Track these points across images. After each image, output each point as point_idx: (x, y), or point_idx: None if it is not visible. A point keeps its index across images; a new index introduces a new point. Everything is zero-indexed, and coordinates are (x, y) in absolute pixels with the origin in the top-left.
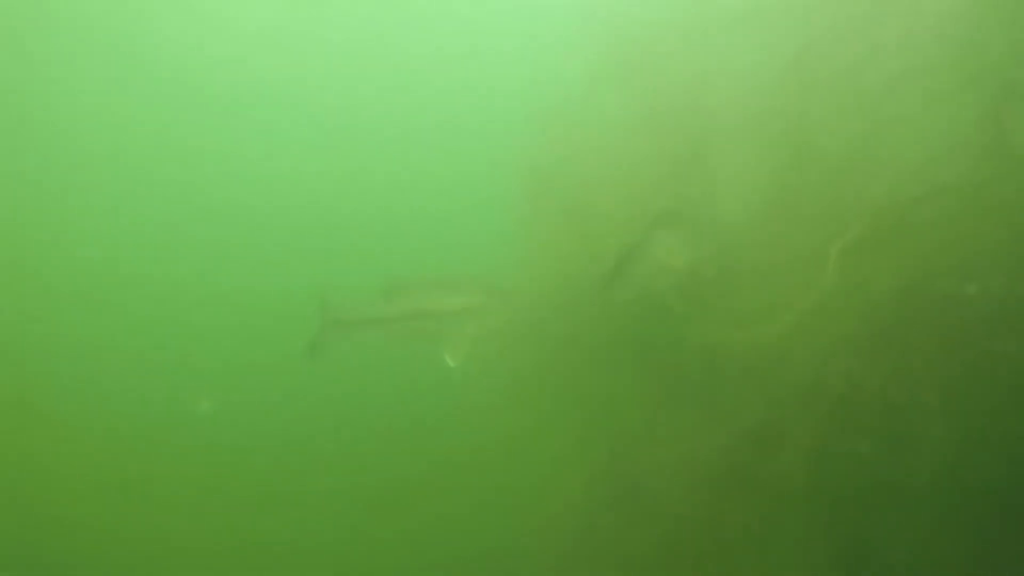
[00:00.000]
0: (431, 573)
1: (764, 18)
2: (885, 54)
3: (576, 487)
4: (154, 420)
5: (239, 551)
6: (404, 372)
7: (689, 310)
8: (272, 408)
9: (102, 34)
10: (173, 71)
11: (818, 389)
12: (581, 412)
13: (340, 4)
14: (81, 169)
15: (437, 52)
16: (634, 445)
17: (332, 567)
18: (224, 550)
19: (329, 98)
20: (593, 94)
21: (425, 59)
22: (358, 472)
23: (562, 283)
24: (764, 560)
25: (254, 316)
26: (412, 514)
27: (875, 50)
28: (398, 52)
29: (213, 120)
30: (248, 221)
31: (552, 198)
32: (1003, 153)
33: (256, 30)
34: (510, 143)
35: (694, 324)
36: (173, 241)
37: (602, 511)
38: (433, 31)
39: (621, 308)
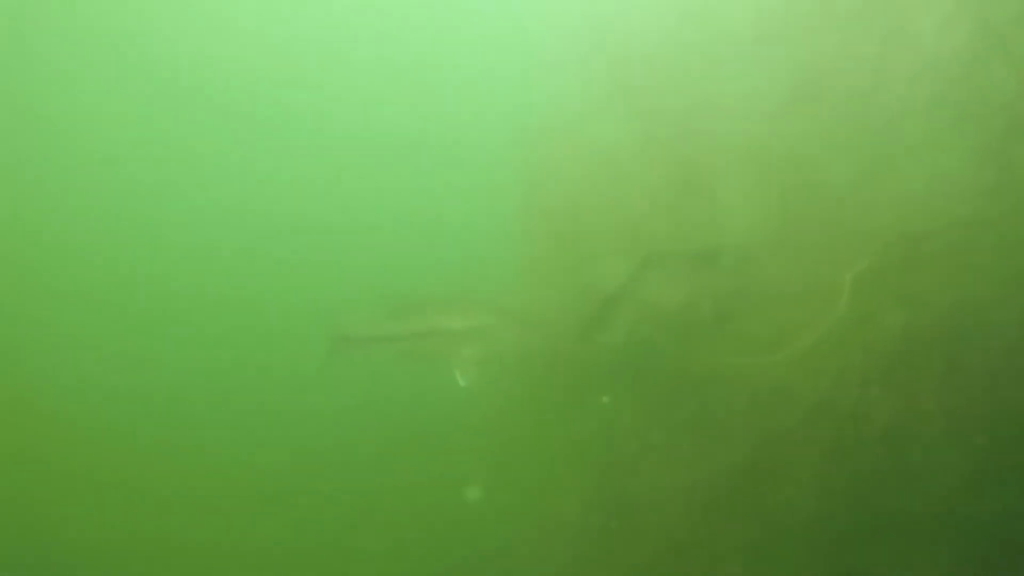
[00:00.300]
0: None
1: (769, 45)
2: (891, 87)
3: (568, 510)
4: (160, 432)
5: (241, 557)
6: (402, 391)
7: (687, 342)
8: (279, 419)
9: (117, 39)
10: (178, 80)
11: (823, 418)
12: (575, 435)
13: (340, 28)
14: (85, 172)
15: (435, 70)
16: (628, 470)
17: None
18: (226, 556)
19: (332, 118)
20: (591, 118)
21: (423, 78)
22: (348, 486)
23: (555, 307)
24: None
25: (261, 329)
26: (404, 530)
27: (881, 83)
28: (397, 70)
29: (221, 135)
30: (253, 235)
31: (545, 222)
32: (1011, 189)
33: (260, 52)
34: (504, 165)
35: (696, 349)
36: (180, 254)
37: (594, 535)
38: (431, 49)
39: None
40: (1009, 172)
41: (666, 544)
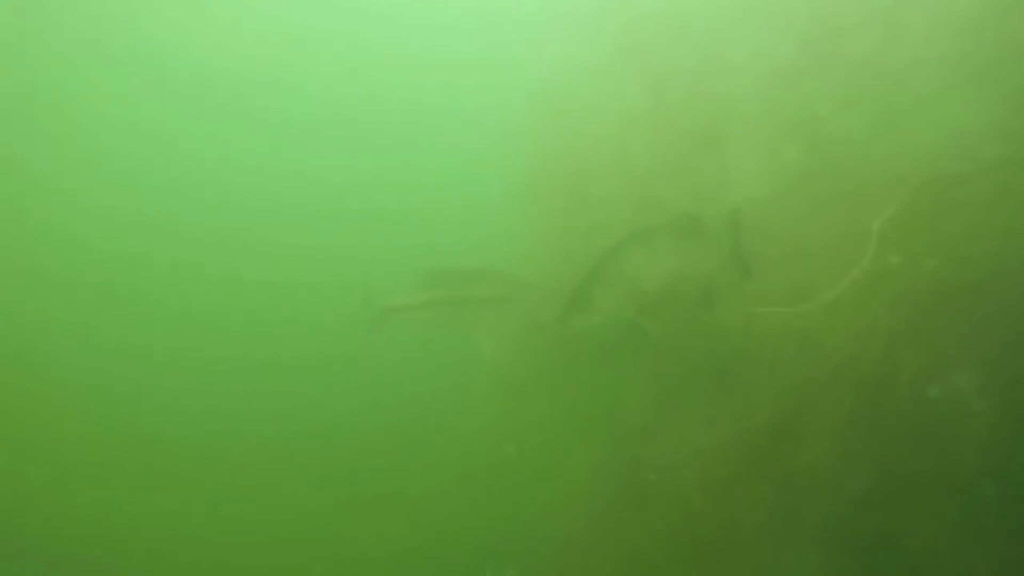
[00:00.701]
0: (436, 555)
1: (779, 2)
2: (909, 38)
3: (581, 477)
4: (219, 409)
5: (292, 504)
6: (432, 358)
7: (706, 299)
8: (327, 388)
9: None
10: (212, 69)
11: (849, 375)
12: (587, 400)
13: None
14: (127, 162)
15: (443, 38)
16: (642, 435)
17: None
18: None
19: (351, 98)
20: (601, 82)
21: (431, 45)
22: (358, 461)
23: (567, 273)
24: (780, 559)
25: (305, 307)
26: (424, 499)
27: (899, 33)
28: (406, 38)
29: (258, 121)
30: (292, 219)
31: (556, 189)
32: None
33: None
34: (512, 133)
35: (713, 309)
36: (227, 238)
37: (608, 501)
38: (440, 16)
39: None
40: None
41: (682, 511)
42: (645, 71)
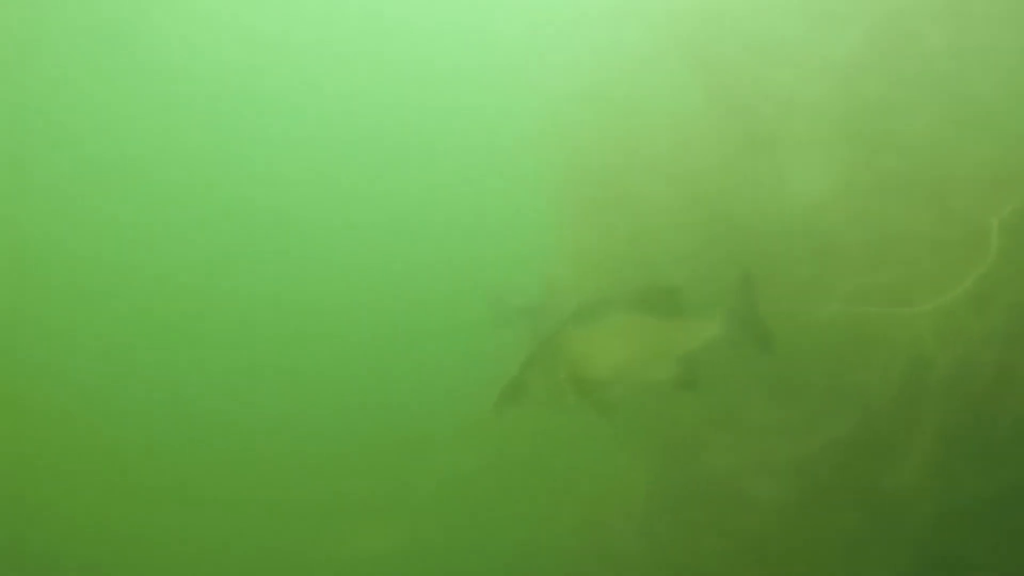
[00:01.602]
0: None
1: None
2: (987, 27)
3: (637, 487)
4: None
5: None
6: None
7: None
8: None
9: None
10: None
11: (959, 383)
12: (635, 407)
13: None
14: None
15: (480, 27)
16: (709, 443)
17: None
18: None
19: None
20: (646, 73)
21: (467, 34)
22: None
23: (611, 282)
24: None
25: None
26: (468, 508)
27: (974, 23)
28: (442, 28)
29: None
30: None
31: (595, 186)
32: None
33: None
34: (549, 128)
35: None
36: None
37: (663, 516)
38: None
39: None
40: None
41: (748, 531)
42: (697, 60)
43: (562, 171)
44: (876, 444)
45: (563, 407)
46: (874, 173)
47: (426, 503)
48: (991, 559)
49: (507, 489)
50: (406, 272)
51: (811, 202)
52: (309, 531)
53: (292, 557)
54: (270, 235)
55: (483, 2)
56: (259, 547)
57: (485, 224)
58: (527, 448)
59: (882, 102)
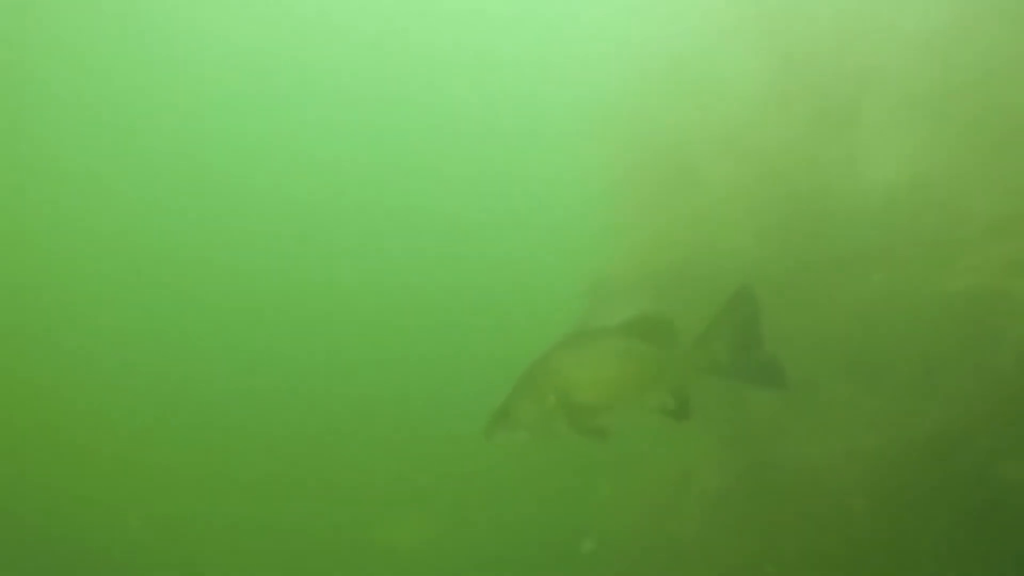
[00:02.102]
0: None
1: None
2: None
3: (707, 474)
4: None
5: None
6: None
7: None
8: None
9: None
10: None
11: None
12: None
13: None
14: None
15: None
16: (775, 432)
17: None
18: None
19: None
20: (718, 46)
21: (526, 10)
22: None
23: (676, 265)
24: None
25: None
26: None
27: None
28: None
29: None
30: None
31: (657, 166)
32: None
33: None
34: (609, 106)
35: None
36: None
37: (735, 505)
38: None
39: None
40: None
41: (827, 523)
42: (770, 42)
43: (623, 152)
44: (972, 435)
45: (553, 433)
46: (954, 152)
47: (486, 490)
48: None
49: (574, 475)
50: (458, 262)
51: (890, 182)
52: (339, 517)
53: (320, 542)
54: (317, 226)
55: None
56: (288, 530)
57: (541, 211)
58: None
59: (976, 75)
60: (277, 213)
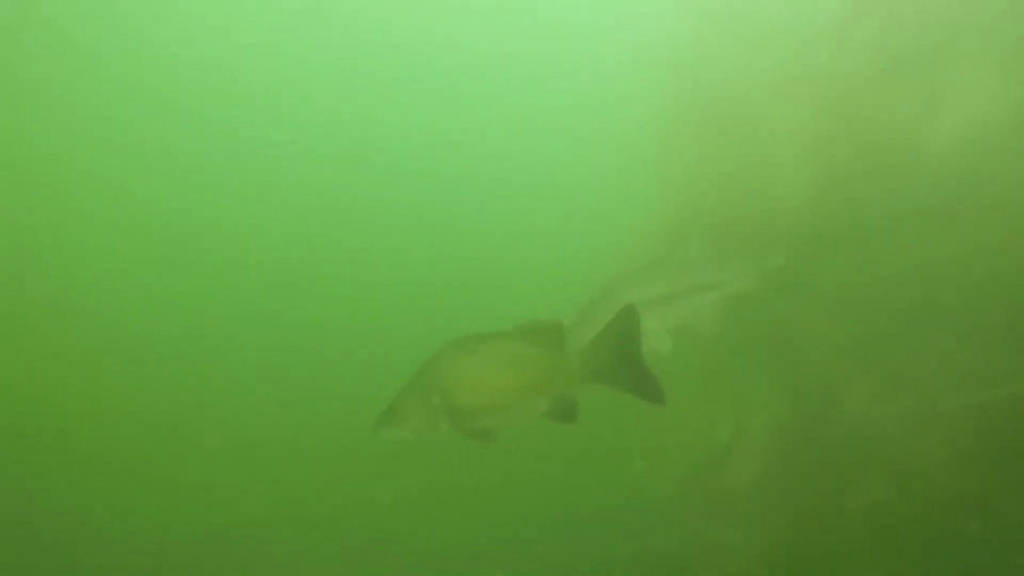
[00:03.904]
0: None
1: None
2: None
3: (758, 431)
4: None
5: None
6: None
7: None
8: None
9: None
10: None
11: None
12: (765, 346)
13: None
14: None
15: None
16: (834, 389)
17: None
18: None
19: None
20: None
21: None
22: None
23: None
24: None
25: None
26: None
27: None
28: None
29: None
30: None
31: (711, 113)
32: None
33: None
34: (659, 50)
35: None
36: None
37: (784, 464)
38: None
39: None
40: None
41: (888, 488)
42: None
43: (674, 98)
44: None
45: (438, 433)
46: None
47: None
48: None
49: (613, 433)
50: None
51: (973, 132)
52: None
53: (309, 500)
54: (355, 196)
55: None
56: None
57: (584, 162)
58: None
59: None
60: (321, 177)
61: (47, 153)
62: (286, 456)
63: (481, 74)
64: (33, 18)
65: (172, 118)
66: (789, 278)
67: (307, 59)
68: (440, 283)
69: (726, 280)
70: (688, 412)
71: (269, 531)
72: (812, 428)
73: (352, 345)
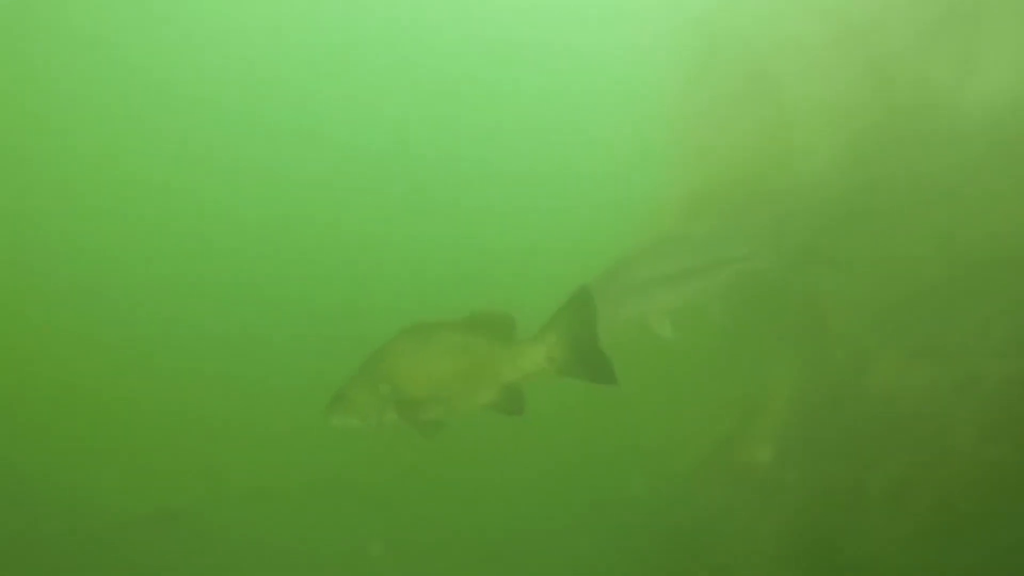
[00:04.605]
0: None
1: None
2: None
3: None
4: None
5: None
6: None
7: None
8: None
9: None
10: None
11: None
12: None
13: None
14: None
15: None
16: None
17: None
18: None
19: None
20: None
21: None
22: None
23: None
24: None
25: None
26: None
27: None
28: None
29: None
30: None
31: (733, 73)
32: None
33: None
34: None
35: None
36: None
37: (806, 434)
38: None
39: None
40: None
41: (919, 460)
42: None
43: (695, 65)
44: None
45: (385, 422)
46: None
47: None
48: None
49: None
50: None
51: (1013, 98)
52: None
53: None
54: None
55: None
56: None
57: (600, 125)
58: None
59: None
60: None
61: (53, 144)
62: (268, 438)
63: (492, 47)
64: (40, 6)
65: (177, 106)
66: (817, 251)
67: (317, 45)
68: (455, 270)
69: (750, 255)
70: (708, 388)
71: (241, 510)
72: (835, 404)
73: (367, 333)
